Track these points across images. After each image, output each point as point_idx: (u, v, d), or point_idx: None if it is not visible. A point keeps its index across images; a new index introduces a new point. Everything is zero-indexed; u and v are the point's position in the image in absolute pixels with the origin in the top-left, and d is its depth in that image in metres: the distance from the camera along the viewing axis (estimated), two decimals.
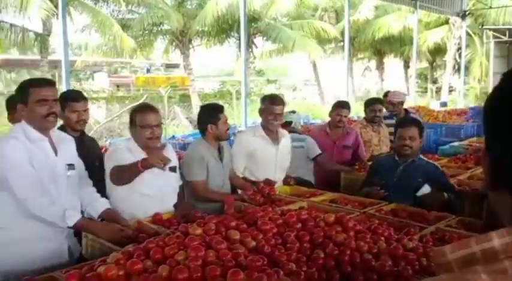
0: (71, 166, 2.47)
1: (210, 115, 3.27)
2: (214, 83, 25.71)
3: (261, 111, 3.61)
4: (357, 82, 25.58)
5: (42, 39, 14.17)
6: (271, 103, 3.53)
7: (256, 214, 2.30)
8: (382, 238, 2.15)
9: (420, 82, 25.98)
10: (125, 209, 2.73)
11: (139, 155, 2.72)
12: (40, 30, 14.22)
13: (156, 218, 2.71)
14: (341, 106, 4.37)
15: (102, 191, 2.79)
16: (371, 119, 4.80)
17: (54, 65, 16.35)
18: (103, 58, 20.45)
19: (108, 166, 2.75)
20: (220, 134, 3.27)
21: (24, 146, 2.27)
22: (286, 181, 3.67)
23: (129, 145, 2.76)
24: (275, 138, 3.63)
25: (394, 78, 26.98)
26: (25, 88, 2.30)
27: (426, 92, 24.89)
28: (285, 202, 3.15)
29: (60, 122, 2.82)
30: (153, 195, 2.78)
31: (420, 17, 18.21)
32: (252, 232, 2.06)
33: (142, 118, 2.74)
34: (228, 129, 3.31)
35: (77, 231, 2.56)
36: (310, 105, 19.12)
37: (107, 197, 2.81)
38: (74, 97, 3.03)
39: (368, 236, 2.15)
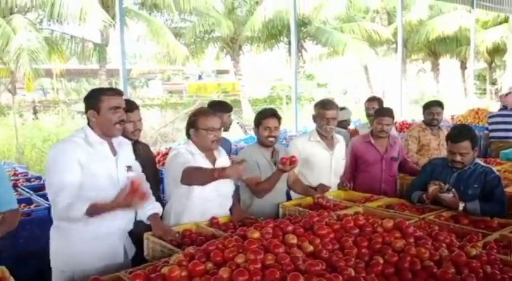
0: (129, 168, 2.56)
1: (255, 120, 3.32)
2: (264, 88, 25.86)
3: (315, 117, 3.61)
4: (411, 84, 24.90)
5: (101, 49, 14.82)
6: (323, 108, 3.52)
7: (312, 218, 2.30)
8: (444, 245, 2.10)
9: (478, 83, 24.94)
10: (182, 212, 2.81)
11: (199, 157, 2.79)
12: (98, 40, 14.88)
13: (213, 222, 2.77)
14: (381, 114, 3.95)
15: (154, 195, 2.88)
16: (429, 122, 4.66)
17: (111, 73, 17.07)
18: (157, 66, 21.15)
19: (173, 168, 2.76)
20: (261, 139, 3.26)
21: (81, 149, 2.36)
22: (341, 185, 3.63)
23: (189, 148, 2.82)
24: (330, 144, 3.61)
25: (450, 79, 26.04)
26: (97, 96, 2.43)
27: (485, 93, 23.84)
28: (340, 207, 3.12)
29: (120, 131, 2.89)
30: (210, 199, 2.84)
31: (477, 16, 17.54)
32: (308, 237, 2.07)
33: (206, 121, 2.79)
34: (269, 136, 3.22)
35: (131, 232, 2.66)
36: (361, 109, 18.80)
37: (161, 201, 2.90)
38: (128, 108, 3.13)
39: (429, 242, 2.10)
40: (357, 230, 2.20)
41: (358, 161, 4.00)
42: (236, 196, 3.16)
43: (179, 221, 2.79)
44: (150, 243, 2.51)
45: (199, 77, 24.74)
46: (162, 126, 12.74)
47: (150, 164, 3.22)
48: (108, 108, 2.40)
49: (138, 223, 2.66)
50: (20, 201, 3.27)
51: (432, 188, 2.96)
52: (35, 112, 14.14)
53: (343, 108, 4.82)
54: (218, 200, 2.89)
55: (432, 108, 4.63)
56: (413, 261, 1.95)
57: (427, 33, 20.76)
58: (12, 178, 4.15)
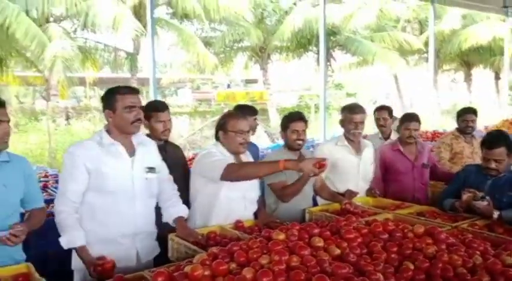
0: (151, 169, 2.51)
1: (282, 123, 3.29)
2: (293, 97, 25.80)
3: (342, 122, 3.55)
4: (443, 94, 24.39)
5: (132, 58, 15.13)
6: (350, 112, 3.46)
7: (339, 223, 2.24)
8: (478, 252, 2.00)
9: None
10: (209, 213, 2.79)
11: (228, 160, 2.76)
12: (130, 49, 15.19)
13: (238, 225, 2.74)
14: (408, 119, 3.83)
15: (182, 197, 2.87)
16: (463, 130, 4.52)
17: (142, 82, 17.36)
18: (186, 75, 21.40)
19: (204, 166, 2.74)
20: (289, 142, 3.22)
21: (91, 152, 2.35)
22: (369, 192, 3.55)
23: (219, 149, 2.81)
24: (358, 148, 3.54)
25: (484, 90, 25.39)
26: (113, 96, 2.40)
27: None
28: (368, 214, 3.04)
29: (138, 128, 2.85)
30: (237, 200, 2.80)
31: (511, 27, 17.07)
32: (335, 240, 2.01)
33: (236, 123, 2.79)
34: (297, 139, 3.17)
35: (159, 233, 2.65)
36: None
37: (188, 204, 2.88)
38: (159, 107, 3.15)
39: (462, 249, 2.01)
40: (386, 236, 2.13)
41: (387, 171, 3.89)
42: (262, 201, 3.13)
43: (206, 223, 2.78)
44: (175, 244, 2.49)
45: (228, 86, 24.90)
46: (191, 134, 12.85)
47: (181, 166, 3.21)
48: (123, 107, 2.37)
49: (164, 225, 2.66)
50: (49, 201, 3.32)
51: (466, 195, 2.85)
52: (68, 118, 14.50)
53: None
54: (243, 202, 2.87)
55: (467, 115, 4.50)
56: (445, 268, 1.87)
57: (459, 43, 20.32)
58: (42, 179, 4.23)
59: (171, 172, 2.95)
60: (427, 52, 20.50)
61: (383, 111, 4.81)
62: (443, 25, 20.08)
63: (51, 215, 3.32)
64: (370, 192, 3.54)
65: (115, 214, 2.40)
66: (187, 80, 24.54)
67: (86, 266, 2.21)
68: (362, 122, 3.47)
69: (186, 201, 2.87)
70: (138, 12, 13.96)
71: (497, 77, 24.13)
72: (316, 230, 2.07)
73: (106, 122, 2.47)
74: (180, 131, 12.74)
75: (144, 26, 13.03)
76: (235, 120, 2.80)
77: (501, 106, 17.31)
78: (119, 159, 2.41)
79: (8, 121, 2.20)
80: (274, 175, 3.11)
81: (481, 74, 25.04)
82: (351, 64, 20.69)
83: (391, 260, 1.92)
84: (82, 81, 19.73)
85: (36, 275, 1.98)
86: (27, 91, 21.56)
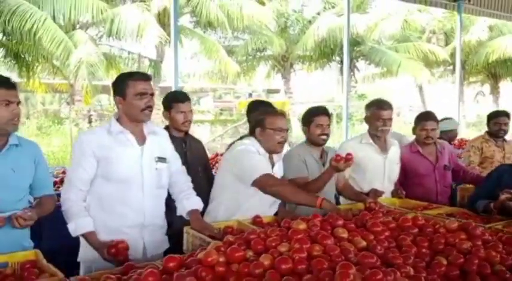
0: (161, 159, 2.41)
1: (305, 118, 3.15)
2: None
3: (368, 119, 3.40)
4: (469, 107, 23.89)
5: (156, 65, 15.24)
6: (378, 108, 3.31)
7: (365, 217, 2.10)
8: None
9: None
10: (234, 209, 2.66)
11: (263, 159, 2.66)
12: (154, 56, 15.31)
13: (256, 221, 2.61)
14: (424, 119, 3.58)
15: (202, 191, 2.76)
16: (495, 134, 4.31)
17: (165, 91, 17.45)
18: (209, 84, 21.50)
19: (240, 166, 2.61)
20: (312, 137, 3.08)
21: (100, 140, 2.28)
22: (395, 193, 3.37)
23: (255, 146, 2.67)
24: (383, 147, 3.38)
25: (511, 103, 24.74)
26: (123, 81, 2.31)
27: None
28: (394, 214, 2.86)
29: (148, 117, 2.72)
30: (262, 199, 2.65)
31: None
32: (361, 233, 1.86)
33: (275, 121, 2.66)
34: (322, 133, 3.04)
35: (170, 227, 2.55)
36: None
37: (208, 200, 2.77)
38: (179, 98, 3.05)
39: (499, 246, 1.84)
40: (415, 230, 1.97)
41: (407, 174, 3.63)
42: (282, 202, 2.99)
43: (229, 218, 2.64)
44: (190, 237, 2.37)
45: (250, 96, 24.88)
46: (211, 141, 12.82)
47: (201, 159, 3.10)
48: (134, 94, 2.27)
49: (177, 218, 2.55)
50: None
51: (505, 196, 2.66)
52: (90, 121, 14.64)
53: (448, 119, 4.79)
54: (268, 202, 2.73)
55: (500, 118, 4.29)
56: (482, 264, 1.70)
57: (486, 55, 19.87)
58: (60, 175, 4.20)
59: (191, 165, 2.86)
60: (452, 64, 20.20)
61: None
62: (470, 36, 19.70)
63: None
64: (395, 193, 3.37)
65: (122, 203, 2.31)
66: (209, 89, 24.68)
67: (98, 250, 2.12)
68: (390, 119, 3.32)
69: (207, 195, 2.77)
70: (163, 20, 14.08)
71: None
72: (340, 222, 1.93)
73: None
74: (201, 138, 12.76)
75: (168, 34, 13.13)
76: (274, 118, 2.68)
77: None
78: (127, 147, 2.33)
79: (18, 103, 2.14)
80: (297, 170, 2.98)
81: (509, 87, 24.43)
82: (375, 75, 20.47)
83: (422, 255, 1.77)
84: (106, 89, 20.02)
85: (44, 261, 1.90)
86: (53, 98, 21.99)
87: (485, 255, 1.75)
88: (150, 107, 2.33)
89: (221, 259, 1.54)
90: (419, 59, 18.52)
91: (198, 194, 2.61)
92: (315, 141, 3.09)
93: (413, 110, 25.35)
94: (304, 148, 3.13)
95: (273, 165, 2.74)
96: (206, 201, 2.75)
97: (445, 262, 1.71)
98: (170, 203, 2.56)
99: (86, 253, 2.31)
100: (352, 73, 19.02)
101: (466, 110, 22.07)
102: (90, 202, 2.32)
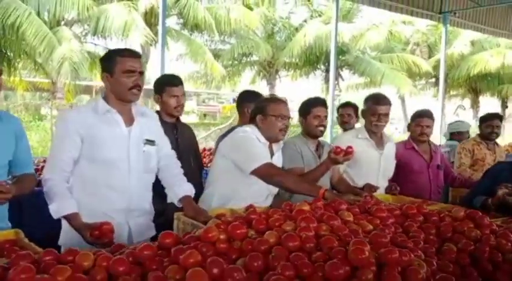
0: (149, 142, 2.29)
1: (302, 108, 3.06)
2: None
3: (364, 113, 3.33)
4: (449, 121, 24.22)
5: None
6: (374, 103, 3.24)
7: (367, 204, 2.01)
8: None
9: None
10: (229, 197, 2.56)
11: (263, 147, 2.57)
12: None
13: (250, 210, 2.49)
14: (420, 115, 3.57)
15: (194, 178, 2.65)
16: (487, 136, 4.30)
17: (148, 94, 17.22)
18: (193, 89, 21.31)
19: (238, 153, 2.52)
20: (310, 128, 2.99)
21: (85, 118, 2.15)
22: (389, 189, 3.29)
23: (255, 133, 2.58)
24: (379, 142, 3.31)
25: None
26: (111, 57, 2.17)
27: None
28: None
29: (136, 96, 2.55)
30: (260, 189, 2.56)
31: None
32: (366, 218, 1.77)
33: (277, 107, 2.57)
34: (320, 125, 2.96)
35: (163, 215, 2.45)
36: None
37: (201, 186, 2.65)
38: (172, 82, 2.91)
39: (510, 235, 1.76)
40: (421, 218, 1.88)
41: (400, 171, 3.55)
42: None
43: (223, 206, 2.51)
44: (181, 223, 2.24)
45: (234, 101, 24.87)
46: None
47: (191, 146, 2.97)
48: (121, 71, 2.14)
49: (170, 206, 2.42)
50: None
51: (503, 191, 2.61)
52: None
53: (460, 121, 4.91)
54: (266, 193, 2.64)
55: (493, 121, 4.27)
56: (493, 252, 1.62)
57: (468, 69, 20.25)
58: (41, 164, 4.03)
59: (182, 153, 2.74)
60: (434, 76, 20.47)
61: (348, 107, 4.66)
62: (453, 50, 20.03)
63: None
64: (389, 189, 3.30)
65: (107, 186, 2.18)
66: (192, 93, 24.50)
67: (81, 232, 1.97)
68: (387, 114, 3.25)
69: (199, 182, 2.65)
70: (149, 20, 13.92)
71: (504, 105, 23.98)
72: (344, 206, 1.83)
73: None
74: None
75: (155, 34, 12.99)
76: (277, 104, 2.59)
77: (505, 133, 17.07)
78: (114, 127, 2.19)
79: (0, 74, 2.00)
80: (292, 161, 2.89)
81: (488, 101, 24.91)
82: (358, 84, 20.63)
83: (430, 241, 1.68)
84: (89, 90, 19.66)
85: (26, 240, 1.75)
86: (33, 97, 21.49)
87: (496, 243, 1.67)
88: (138, 86, 2.20)
89: (222, 236, 1.42)
90: (403, 70, 18.75)
91: (190, 183, 2.47)
92: (312, 132, 3.00)
93: (393, 122, 25.62)
94: (300, 139, 3.04)
95: (272, 154, 2.65)
96: (197, 189, 2.63)
97: (455, 249, 1.62)
98: (162, 191, 2.43)
99: (67, 237, 2.16)
100: (336, 82, 19.10)
101: (447, 123, 22.36)
102: (73, 184, 2.18)
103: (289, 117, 2.61)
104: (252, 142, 2.52)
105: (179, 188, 2.37)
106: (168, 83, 2.89)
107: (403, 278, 1.25)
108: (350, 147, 2.69)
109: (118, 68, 2.15)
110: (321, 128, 2.97)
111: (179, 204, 2.35)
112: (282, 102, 2.64)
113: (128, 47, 3.57)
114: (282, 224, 1.52)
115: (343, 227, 1.49)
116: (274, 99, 2.68)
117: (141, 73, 2.21)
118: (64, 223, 2.18)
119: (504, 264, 1.60)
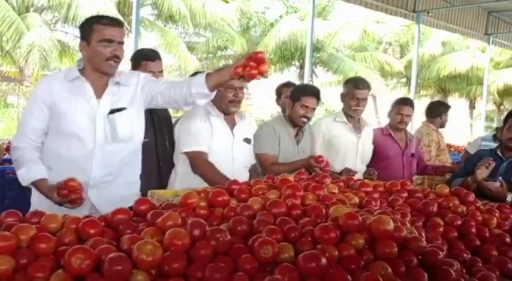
0: (119, 110, 2.09)
1: (293, 94, 2.96)
2: (273, 110, 25.63)
3: (343, 96, 3.28)
4: (418, 120, 24.66)
5: None
6: (354, 87, 3.19)
7: (350, 180, 1.94)
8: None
9: (486, 125, 24.68)
10: (189, 175, 2.47)
11: (216, 120, 2.50)
12: None
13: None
14: (401, 103, 3.59)
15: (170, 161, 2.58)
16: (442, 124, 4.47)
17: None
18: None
19: (180, 132, 2.50)
20: (294, 115, 2.90)
21: (55, 86, 2.04)
22: (367, 174, 3.26)
23: (208, 108, 2.49)
24: (357, 126, 3.27)
25: (458, 118, 25.80)
26: (90, 25, 2.03)
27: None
28: None
29: (114, 68, 2.36)
30: (222, 161, 2.46)
31: (491, 56, 17.40)
32: (351, 191, 1.71)
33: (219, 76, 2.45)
34: (304, 115, 2.86)
35: None
36: None
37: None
38: (149, 56, 2.73)
39: (496, 212, 1.73)
40: (405, 194, 1.83)
41: (376, 156, 3.53)
42: (254, 170, 2.80)
43: (184, 186, 2.34)
44: (155, 201, 2.12)
45: None
46: None
47: (167, 125, 2.85)
48: (99, 40, 1.99)
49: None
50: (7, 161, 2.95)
51: (480, 170, 2.61)
52: None
53: None
54: (232, 166, 2.52)
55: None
56: (480, 227, 1.58)
57: (438, 70, 20.61)
58: (5, 146, 3.84)
59: (158, 133, 2.67)
60: (405, 76, 20.78)
61: (290, 87, 4.59)
62: (423, 50, 20.37)
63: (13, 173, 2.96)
64: (367, 174, 3.26)
65: (69, 160, 2.04)
66: None
67: (48, 195, 1.84)
68: (365, 99, 3.22)
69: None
70: (122, 10, 13.60)
71: (471, 106, 24.56)
72: (328, 180, 1.76)
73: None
74: None
75: (128, 24, 12.68)
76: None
77: (473, 135, 17.51)
78: (82, 97, 2.05)
79: None
80: (266, 146, 2.80)
81: (457, 102, 25.48)
82: (332, 82, 20.72)
83: (417, 215, 1.62)
84: None
85: None
86: None
87: (482, 219, 1.63)
88: (116, 57, 2.04)
89: (202, 204, 1.33)
90: (375, 68, 18.95)
91: (168, 166, 2.49)
92: (294, 120, 2.91)
93: (366, 117, 25.93)
94: (281, 122, 2.96)
95: (234, 125, 2.59)
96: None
97: (442, 223, 1.58)
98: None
99: (38, 207, 2.01)
100: (310, 79, 19.16)
101: (415, 123, 22.76)
102: (42, 159, 2.05)
103: (241, 88, 2.50)
104: (192, 122, 2.48)
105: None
106: (144, 57, 2.70)
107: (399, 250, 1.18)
108: (328, 165, 2.67)
109: (95, 36, 2.01)
110: (304, 119, 2.89)
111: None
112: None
113: None
114: (266, 193, 1.43)
115: (330, 196, 1.42)
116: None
117: (120, 43, 2.05)
118: (34, 195, 2.06)
119: (491, 238, 1.56)
